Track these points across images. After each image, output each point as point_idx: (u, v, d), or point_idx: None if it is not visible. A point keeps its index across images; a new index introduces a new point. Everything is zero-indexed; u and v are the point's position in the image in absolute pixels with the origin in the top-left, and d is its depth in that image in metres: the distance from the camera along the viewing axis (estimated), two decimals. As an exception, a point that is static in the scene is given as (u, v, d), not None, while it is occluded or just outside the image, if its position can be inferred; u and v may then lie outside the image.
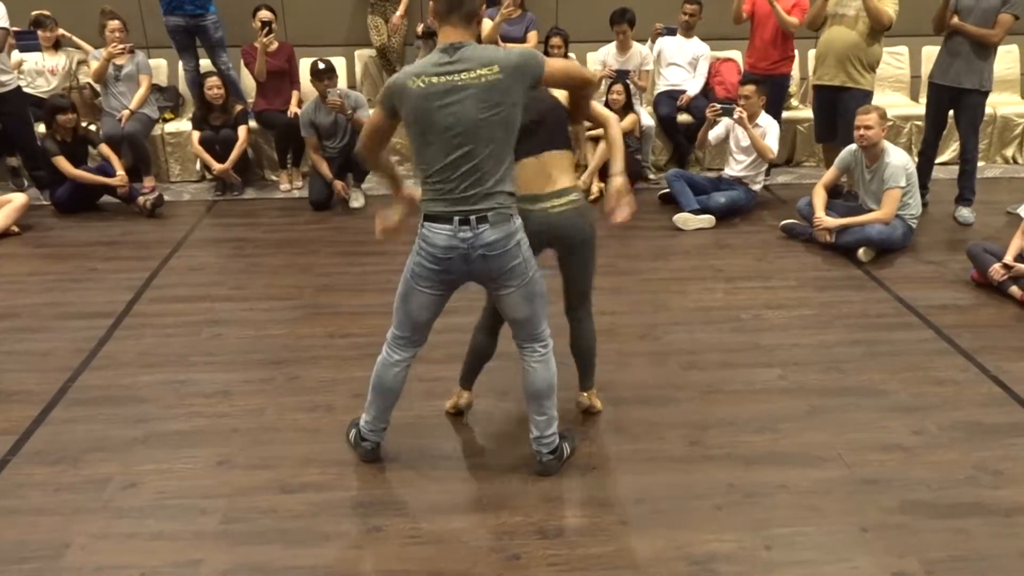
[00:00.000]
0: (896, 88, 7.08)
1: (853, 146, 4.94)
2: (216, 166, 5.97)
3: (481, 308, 3.15)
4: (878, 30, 5.29)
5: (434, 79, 2.46)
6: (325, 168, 5.78)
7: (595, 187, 5.88)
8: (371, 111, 2.67)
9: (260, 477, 2.93)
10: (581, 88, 2.77)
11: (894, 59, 6.99)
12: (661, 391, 3.49)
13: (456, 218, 2.54)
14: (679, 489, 2.88)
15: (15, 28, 5.82)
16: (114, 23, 6.00)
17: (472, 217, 2.54)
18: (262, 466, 2.99)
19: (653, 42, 6.59)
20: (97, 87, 6.23)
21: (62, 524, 2.71)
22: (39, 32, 6.16)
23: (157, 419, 3.28)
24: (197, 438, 3.16)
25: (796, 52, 6.12)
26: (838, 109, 5.48)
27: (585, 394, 3.33)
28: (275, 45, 6.12)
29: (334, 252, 5.00)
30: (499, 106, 2.48)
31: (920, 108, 6.24)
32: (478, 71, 2.45)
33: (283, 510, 2.77)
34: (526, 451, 2.99)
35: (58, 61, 6.29)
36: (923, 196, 5.41)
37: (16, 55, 6.10)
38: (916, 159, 5.62)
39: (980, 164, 5.88)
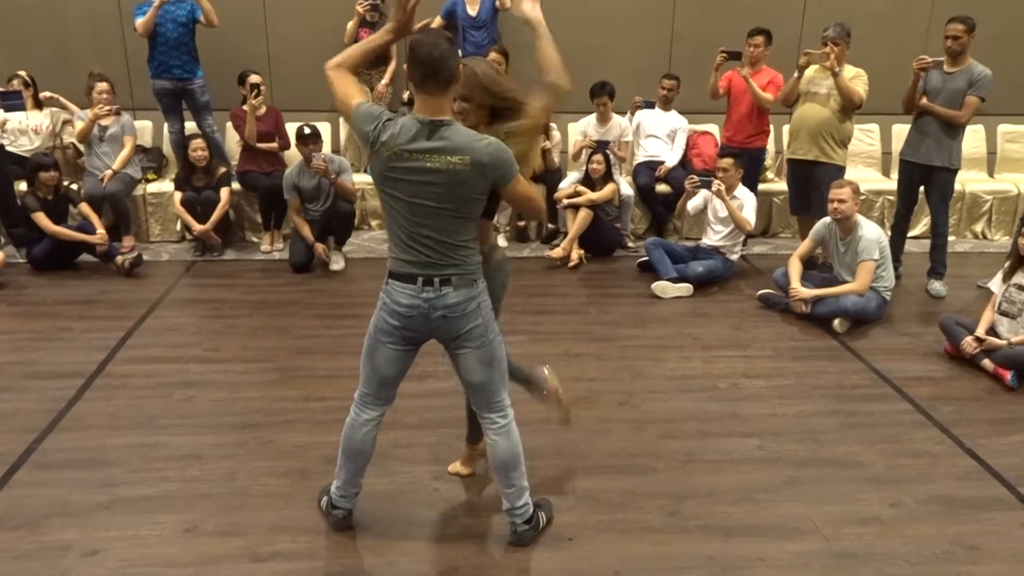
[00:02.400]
0: (868, 164, 7.28)
1: (827, 219, 5.04)
2: (197, 227, 5.98)
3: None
4: (849, 108, 5.46)
5: (405, 154, 2.45)
6: (307, 231, 5.80)
7: (575, 254, 5.94)
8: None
9: (229, 545, 2.85)
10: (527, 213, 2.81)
11: (866, 136, 7.21)
12: (639, 460, 3.46)
13: (420, 278, 2.56)
14: (657, 561, 2.84)
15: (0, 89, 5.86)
16: (102, 85, 6.07)
17: (436, 279, 2.56)
18: (232, 533, 2.92)
19: (632, 114, 6.76)
20: (81, 147, 6.25)
21: (19, 593, 2.61)
22: (23, 92, 6.19)
23: (124, 483, 3.20)
24: (164, 503, 3.08)
25: (771, 127, 6.29)
26: (812, 183, 5.61)
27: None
28: (263, 110, 6.20)
29: (312, 314, 4.98)
30: (459, 197, 2.48)
31: (891, 183, 6.42)
32: (448, 157, 2.43)
33: (251, 580, 2.69)
34: (503, 520, 2.93)
35: (42, 121, 6.32)
36: (896, 269, 5.51)
37: (0, 114, 6.13)
38: (889, 233, 5.74)
39: (951, 239, 6.01)
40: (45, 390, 3.93)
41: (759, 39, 5.96)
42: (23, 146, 6.24)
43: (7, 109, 6.12)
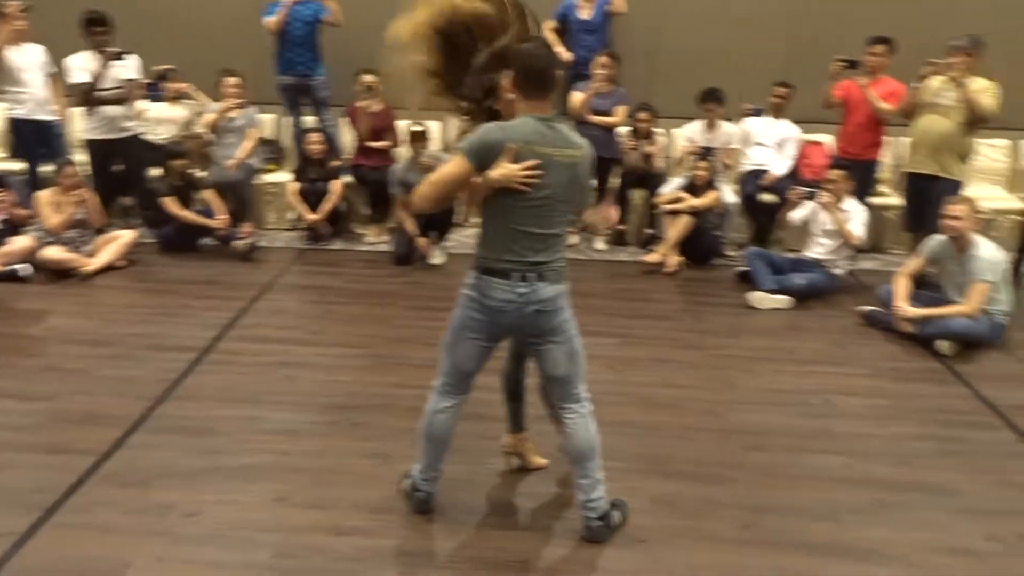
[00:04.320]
0: (994, 180, 6.88)
1: (941, 236, 4.82)
2: (310, 216, 6.27)
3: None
4: (975, 121, 5.20)
5: (537, 148, 2.57)
6: (410, 224, 6.00)
7: (673, 260, 5.90)
8: (449, 161, 2.60)
9: (314, 517, 3.02)
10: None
11: (992, 151, 6.81)
12: (720, 469, 3.43)
13: (515, 273, 2.63)
14: (728, 570, 2.82)
15: (145, 79, 6.32)
16: (232, 79, 6.46)
17: (531, 274, 2.64)
18: (317, 506, 3.08)
19: (741, 121, 6.64)
20: (210, 137, 6.67)
21: (126, 544, 2.84)
22: (164, 84, 6.66)
23: (225, 452, 3.43)
24: (260, 473, 3.29)
25: (888, 138, 6.05)
26: (929, 198, 5.37)
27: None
28: (376, 108, 6.43)
29: (410, 306, 5.15)
30: (574, 188, 2.67)
31: (1019, 202, 6.04)
32: (568, 150, 2.62)
33: (332, 551, 2.84)
34: (576, 517, 2.98)
35: (178, 112, 6.77)
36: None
37: (142, 104, 6.61)
38: (1019, 253, 5.42)
39: (1083, 263, 5.63)
40: (163, 360, 4.24)
41: (879, 48, 5.76)
42: (159, 135, 6.69)
43: (151, 100, 6.61)
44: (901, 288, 4.87)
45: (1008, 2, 6.67)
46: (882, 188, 6.60)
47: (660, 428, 3.75)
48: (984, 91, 5.16)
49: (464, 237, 6.56)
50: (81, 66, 5.91)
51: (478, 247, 2.74)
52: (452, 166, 2.61)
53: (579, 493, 2.91)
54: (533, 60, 2.60)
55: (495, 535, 2.97)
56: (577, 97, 6.25)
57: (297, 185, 6.32)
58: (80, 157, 6.15)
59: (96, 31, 5.85)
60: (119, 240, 5.67)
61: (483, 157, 2.56)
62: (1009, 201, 6.57)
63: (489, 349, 2.83)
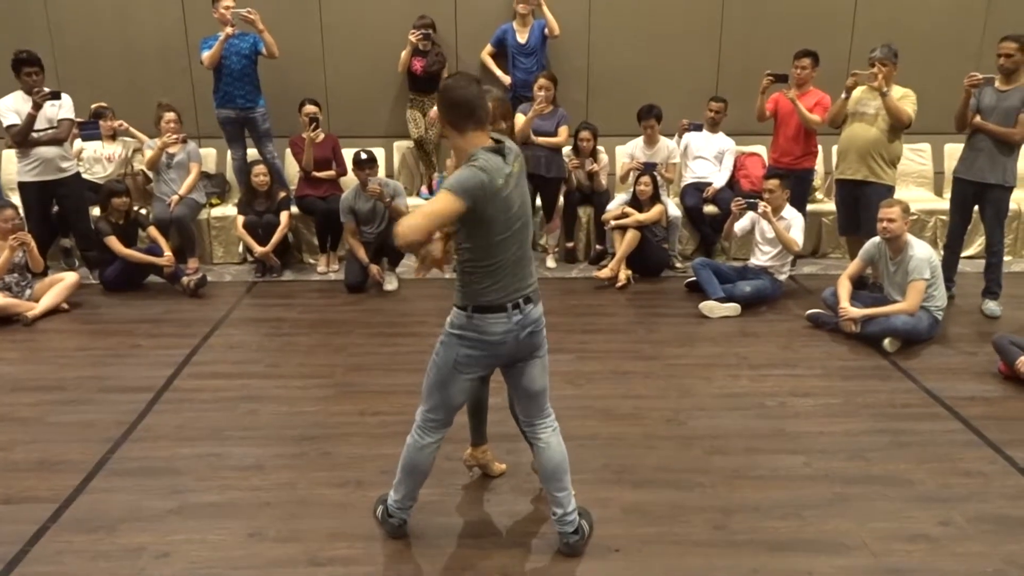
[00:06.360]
0: (920, 183, 7.22)
1: (877, 239, 5.04)
2: (258, 249, 6.22)
3: None
4: (898, 128, 5.46)
5: (507, 174, 2.59)
6: (362, 252, 6.00)
7: (622, 275, 6.02)
8: (440, 198, 2.55)
9: (290, 550, 3.00)
10: None
11: (917, 155, 7.16)
12: (685, 475, 3.52)
13: (508, 304, 2.68)
14: (704, 573, 2.89)
15: (78, 119, 6.20)
16: (170, 115, 6.39)
17: (520, 300, 2.70)
18: (292, 539, 3.06)
19: (680, 137, 6.83)
20: (150, 174, 6.57)
21: (97, 591, 2.78)
22: (100, 122, 6.55)
23: (192, 491, 3.38)
24: (230, 510, 3.24)
25: (820, 147, 6.31)
26: (861, 203, 5.61)
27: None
28: (321, 137, 6.44)
29: (367, 333, 5.14)
30: (525, 187, 2.73)
31: (944, 203, 6.36)
32: (518, 160, 2.68)
33: (311, 583, 2.82)
34: (550, 530, 3.02)
35: (115, 149, 6.66)
36: (949, 289, 5.46)
37: (78, 143, 6.48)
38: (942, 252, 5.71)
39: (1007, 258, 5.94)
40: (118, 403, 4.15)
41: (806, 61, 6.01)
42: (97, 173, 6.58)
43: (84, 139, 6.49)
44: (844, 291, 5.07)
45: (922, 10, 7.04)
46: (818, 195, 6.85)
47: (624, 438, 3.82)
48: (904, 98, 5.43)
49: (416, 263, 6.57)
50: (11, 108, 5.77)
51: (465, 284, 2.69)
52: (447, 204, 2.49)
53: (555, 508, 2.95)
54: (452, 92, 2.59)
55: (472, 554, 2.99)
56: (520, 119, 6.35)
57: (243, 218, 6.27)
58: (15, 200, 6.00)
59: (27, 72, 5.72)
60: (62, 283, 5.53)
61: (476, 197, 2.51)
62: (936, 202, 6.90)
63: (483, 381, 2.88)
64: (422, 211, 2.51)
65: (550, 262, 6.59)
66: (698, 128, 6.76)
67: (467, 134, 2.63)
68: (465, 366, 2.76)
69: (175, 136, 6.35)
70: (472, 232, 2.61)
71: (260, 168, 6.29)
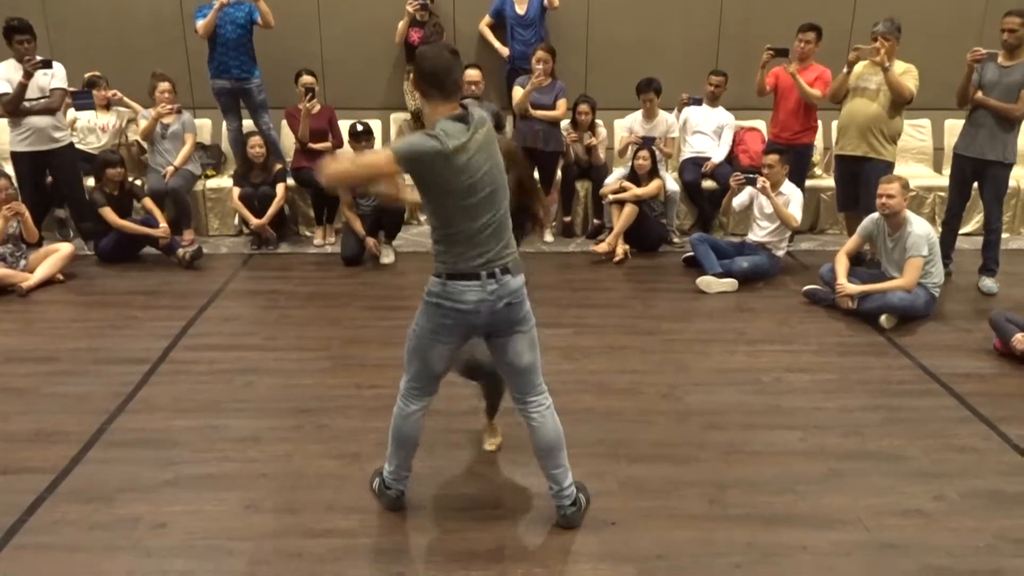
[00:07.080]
0: (919, 160, 7.19)
1: (875, 215, 5.02)
2: (254, 221, 6.18)
3: None
4: (899, 104, 5.42)
5: (466, 144, 2.54)
6: (358, 225, 5.97)
7: (620, 249, 6.00)
8: (380, 152, 2.56)
9: (286, 521, 3.01)
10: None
11: (917, 131, 7.12)
12: (681, 449, 3.53)
13: (483, 272, 2.65)
14: (699, 546, 2.91)
15: (71, 88, 6.13)
16: (164, 84, 6.33)
17: (496, 269, 2.67)
18: (288, 510, 3.07)
19: (679, 111, 6.78)
20: (144, 144, 6.51)
21: (94, 561, 2.79)
22: (93, 92, 6.48)
23: (188, 462, 3.38)
24: (226, 481, 3.25)
25: (820, 123, 6.27)
26: (860, 179, 5.58)
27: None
28: (317, 108, 6.39)
29: (363, 306, 5.13)
30: (498, 155, 2.67)
31: (943, 179, 6.34)
32: (481, 129, 2.61)
33: (308, 554, 2.83)
34: (547, 503, 3.03)
35: (109, 119, 6.59)
36: (947, 266, 5.46)
37: (71, 113, 6.42)
38: (940, 229, 5.70)
39: (1004, 236, 5.93)
40: (114, 374, 4.14)
41: (811, 35, 5.95)
42: (91, 144, 6.51)
43: (78, 108, 6.42)
44: (841, 267, 5.06)
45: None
46: (817, 171, 6.82)
47: (620, 413, 3.83)
48: (905, 74, 5.38)
49: (412, 236, 6.56)
50: (3, 76, 5.69)
51: (439, 253, 2.69)
52: (382, 159, 2.58)
53: (552, 484, 2.95)
54: (427, 62, 2.60)
55: (468, 527, 3.00)
56: (518, 92, 6.30)
57: (239, 190, 6.22)
58: (8, 170, 5.94)
59: (18, 40, 5.64)
60: (57, 254, 5.50)
61: (413, 165, 2.54)
62: (935, 179, 6.88)
63: (459, 348, 2.86)
64: (356, 160, 2.61)
65: (547, 236, 6.57)
66: (698, 102, 6.71)
67: (433, 103, 2.62)
68: (439, 334, 2.75)
69: (170, 106, 6.28)
70: (429, 197, 2.63)
71: (256, 139, 6.23)
